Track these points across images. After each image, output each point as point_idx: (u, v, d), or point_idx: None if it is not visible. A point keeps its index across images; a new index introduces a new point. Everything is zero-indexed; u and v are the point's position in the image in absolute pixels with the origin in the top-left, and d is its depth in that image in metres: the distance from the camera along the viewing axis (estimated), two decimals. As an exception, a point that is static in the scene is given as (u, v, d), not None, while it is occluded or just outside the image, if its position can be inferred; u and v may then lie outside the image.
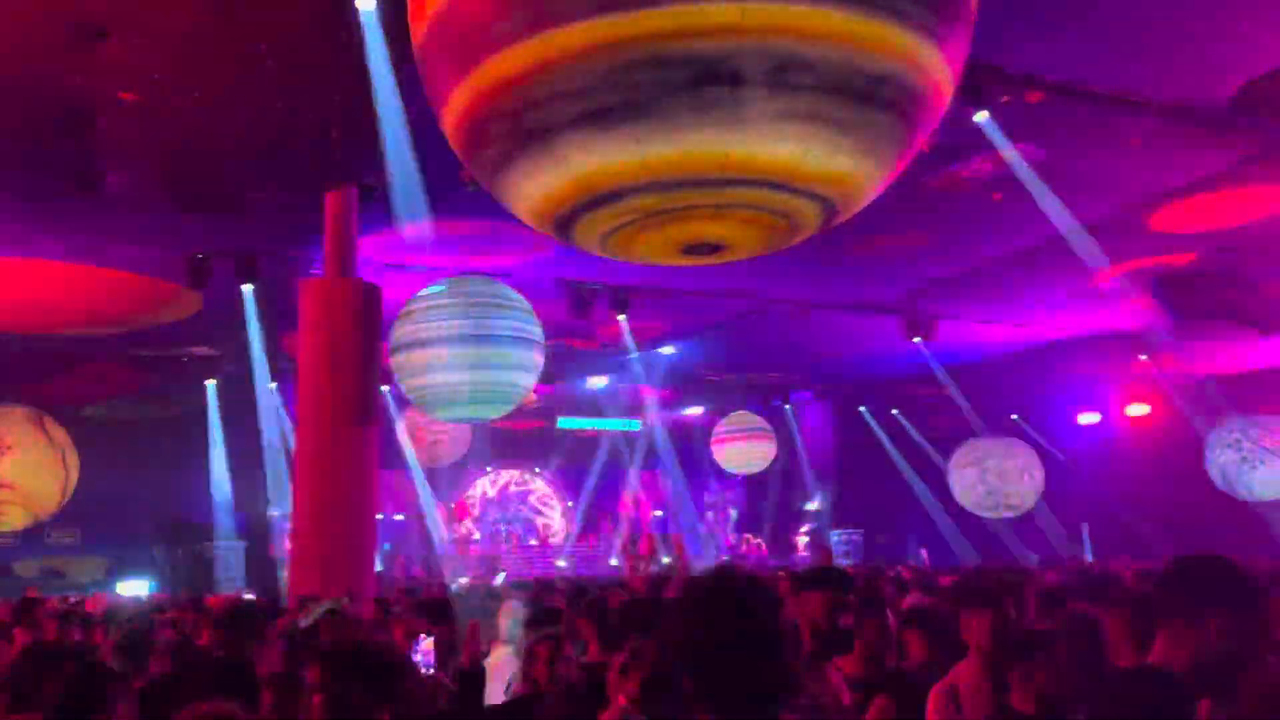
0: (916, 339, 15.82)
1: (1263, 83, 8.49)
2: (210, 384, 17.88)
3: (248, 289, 12.18)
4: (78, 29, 7.36)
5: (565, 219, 4.25)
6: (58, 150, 9.26)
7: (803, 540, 22.48)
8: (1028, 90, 8.50)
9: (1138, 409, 20.47)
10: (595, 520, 25.24)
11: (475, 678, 4.00)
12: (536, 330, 10.07)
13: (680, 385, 21.31)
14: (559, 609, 5.49)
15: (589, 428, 24.35)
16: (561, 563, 21.30)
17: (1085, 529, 20.53)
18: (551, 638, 4.18)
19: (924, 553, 20.52)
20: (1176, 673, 2.18)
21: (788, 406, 23.43)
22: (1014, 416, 21.17)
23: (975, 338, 17.29)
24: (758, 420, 20.42)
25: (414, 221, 9.25)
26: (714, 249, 4.35)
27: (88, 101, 8.47)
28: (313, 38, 7.49)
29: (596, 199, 4.03)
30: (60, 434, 14.51)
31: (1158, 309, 14.52)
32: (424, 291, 10.02)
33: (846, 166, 3.92)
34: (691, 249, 4.35)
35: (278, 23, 7.29)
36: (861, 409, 23.16)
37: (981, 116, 8.09)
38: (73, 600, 11.13)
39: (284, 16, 7.20)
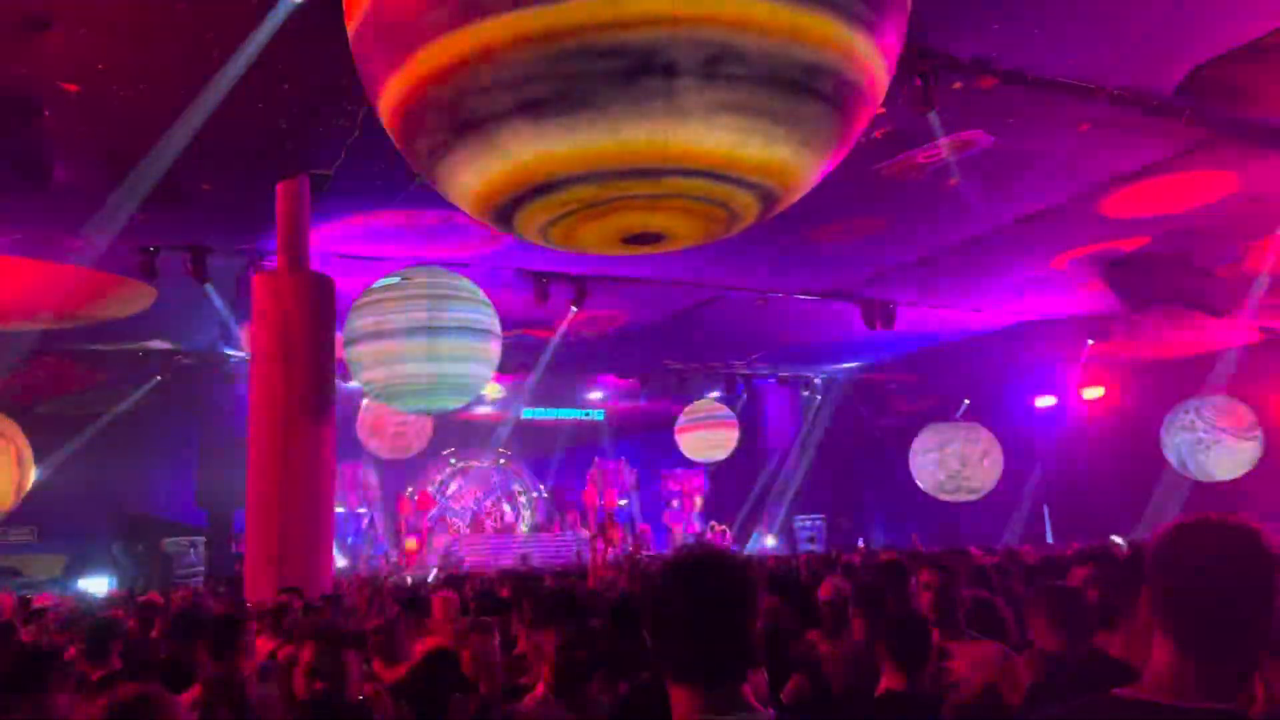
0: (875, 325, 15.94)
1: (1209, 69, 8.60)
2: (161, 379, 17.71)
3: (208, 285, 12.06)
4: (20, 19, 7.24)
5: (505, 209, 4.24)
6: (3, 143, 9.10)
7: (765, 526, 22.60)
8: (980, 77, 8.56)
9: (1093, 392, 20.74)
10: (560, 510, 25.25)
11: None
12: (493, 321, 10.04)
13: (643, 374, 21.34)
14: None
15: (552, 417, 24.33)
16: (525, 552, 21.28)
17: (1046, 511, 20.81)
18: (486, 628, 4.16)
19: (860, 542, 20.69)
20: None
21: (746, 394, 23.50)
22: (966, 401, 21.36)
23: (933, 323, 17.44)
24: (721, 408, 20.48)
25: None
26: (654, 239, 4.36)
27: (32, 93, 8.32)
28: (257, 27, 7.40)
29: (535, 189, 4.02)
30: (13, 430, 14.29)
31: (1111, 293, 14.70)
32: (378, 283, 9.95)
33: (783, 156, 3.93)
34: (632, 239, 4.35)
35: (222, 12, 7.20)
36: (822, 395, 23.30)
37: (933, 116, 8.13)
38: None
39: (228, 7, 7.11)
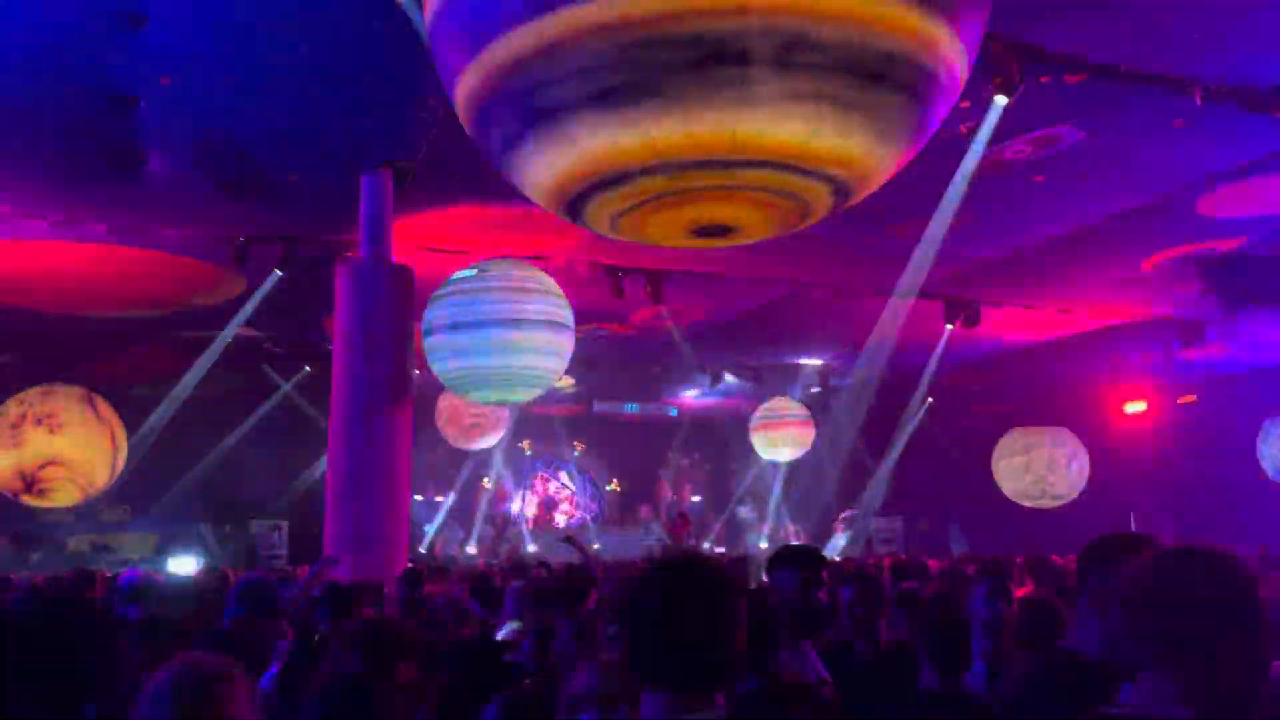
0: (950, 325, 15.65)
1: (1314, 62, 8.24)
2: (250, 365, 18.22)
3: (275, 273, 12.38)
4: (118, 15, 7.49)
5: (575, 200, 4.24)
6: (100, 134, 9.43)
7: (840, 527, 22.32)
8: (1068, 70, 8.32)
9: (1185, 398, 20.04)
10: (632, 505, 25.28)
11: None
12: (567, 314, 10.08)
13: (719, 371, 21.25)
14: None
15: (625, 411, 24.37)
16: (596, 546, 21.37)
17: (1132, 520, 20.19)
18: None
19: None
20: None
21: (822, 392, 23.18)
22: (1058, 404, 20.80)
23: (1019, 324, 17.01)
24: (797, 406, 20.27)
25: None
26: (725, 231, 4.32)
27: (127, 86, 8.60)
28: (348, 22, 7.55)
29: (605, 180, 4.01)
30: (109, 412, 14.82)
31: (1205, 295, 14.19)
32: (456, 275, 10.07)
33: (857, 147, 3.86)
34: (702, 231, 4.32)
35: (313, 6, 7.36)
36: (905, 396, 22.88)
37: (1000, 101, 7.88)
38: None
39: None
